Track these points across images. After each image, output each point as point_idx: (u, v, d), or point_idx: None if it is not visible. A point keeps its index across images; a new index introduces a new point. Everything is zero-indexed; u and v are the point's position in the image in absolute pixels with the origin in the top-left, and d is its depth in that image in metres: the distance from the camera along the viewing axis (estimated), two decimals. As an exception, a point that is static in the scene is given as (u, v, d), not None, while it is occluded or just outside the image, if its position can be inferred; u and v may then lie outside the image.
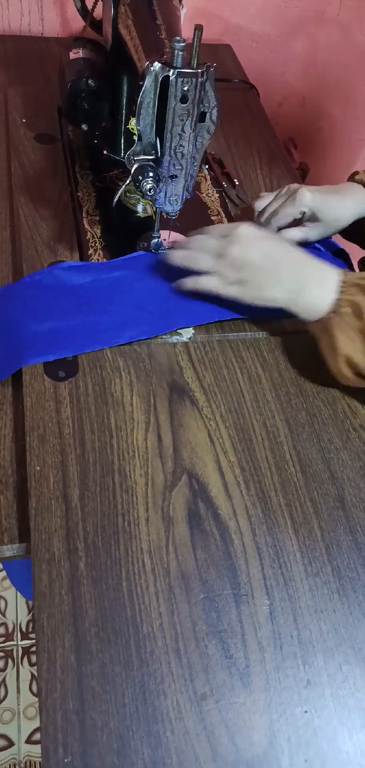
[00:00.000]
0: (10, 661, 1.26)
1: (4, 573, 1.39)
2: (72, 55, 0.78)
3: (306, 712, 0.46)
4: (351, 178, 0.81)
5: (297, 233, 0.76)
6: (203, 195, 0.89)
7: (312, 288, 0.63)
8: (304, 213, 0.75)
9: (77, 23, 1.19)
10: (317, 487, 0.58)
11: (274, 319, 0.71)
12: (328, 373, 0.64)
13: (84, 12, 0.85)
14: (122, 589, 0.49)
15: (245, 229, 0.65)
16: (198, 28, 0.55)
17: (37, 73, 1.08)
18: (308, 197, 0.74)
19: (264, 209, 0.78)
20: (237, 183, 0.92)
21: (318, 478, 0.59)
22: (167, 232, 0.77)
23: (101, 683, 0.45)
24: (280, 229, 0.77)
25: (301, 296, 0.63)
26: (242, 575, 0.52)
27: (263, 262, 0.65)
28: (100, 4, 0.80)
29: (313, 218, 0.76)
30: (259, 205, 0.79)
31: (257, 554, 0.53)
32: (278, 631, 0.49)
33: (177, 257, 0.69)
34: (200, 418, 0.62)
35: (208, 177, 0.93)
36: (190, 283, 0.68)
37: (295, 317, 0.65)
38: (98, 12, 0.81)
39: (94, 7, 0.83)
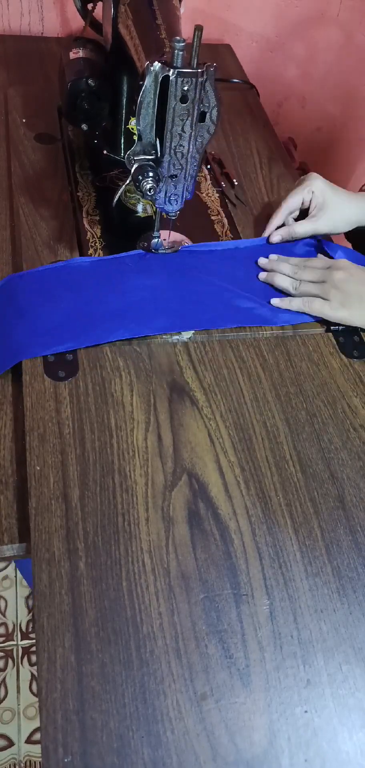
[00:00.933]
0: (10, 661, 1.26)
1: (4, 573, 1.39)
2: (72, 55, 0.78)
3: (306, 711, 0.46)
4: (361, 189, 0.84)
5: (307, 225, 0.79)
6: (203, 195, 0.89)
7: None
8: (312, 195, 0.78)
9: (77, 23, 1.19)
10: (317, 487, 0.58)
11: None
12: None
13: (84, 12, 0.85)
14: (122, 589, 0.49)
15: (345, 261, 0.74)
16: (198, 29, 0.55)
17: (37, 73, 1.08)
18: (317, 178, 0.79)
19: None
20: (236, 183, 0.92)
21: (318, 478, 0.59)
22: (167, 232, 0.77)
23: (101, 683, 0.45)
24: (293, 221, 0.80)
25: None
26: (242, 575, 0.52)
27: None
28: (100, 4, 0.80)
29: (320, 208, 0.79)
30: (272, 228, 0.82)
31: (257, 554, 0.53)
32: (278, 631, 0.49)
33: (282, 283, 0.74)
34: (200, 418, 0.62)
35: (208, 177, 0.93)
36: (297, 303, 0.72)
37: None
38: (97, 12, 0.81)
39: (94, 7, 0.83)
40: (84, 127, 0.79)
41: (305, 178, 0.80)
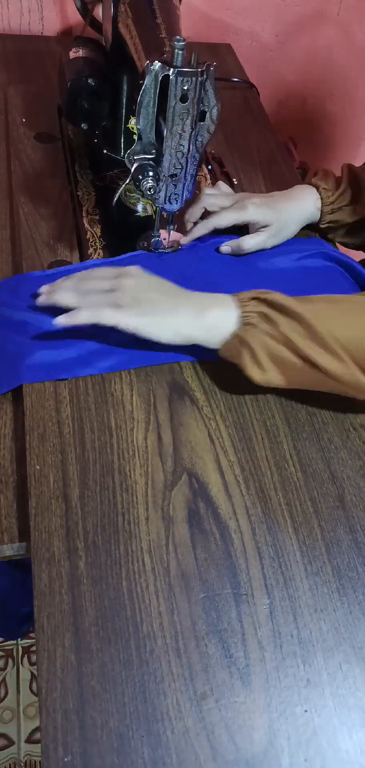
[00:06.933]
0: (10, 660, 1.26)
1: (3, 573, 1.39)
2: (72, 54, 0.78)
3: (305, 711, 0.46)
4: (309, 180, 0.82)
5: (254, 240, 0.77)
6: (203, 194, 0.89)
7: (212, 309, 0.61)
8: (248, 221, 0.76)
9: (77, 22, 1.19)
10: (317, 487, 0.58)
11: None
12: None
13: (84, 11, 0.85)
14: (121, 589, 0.49)
15: (137, 268, 0.65)
16: (194, 52, 0.56)
17: (37, 72, 1.08)
18: (250, 210, 0.75)
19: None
20: (236, 182, 0.92)
21: (318, 477, 0.59)
22: (167, 231, 0.77)
23: (101, 682, 0.45)
24: (220, 231, 0.77)
25: (204, 319, 0.61)
26: (242, 574, 0.52)
27: (159, 293, 0.63)
28: (100, 3, 0.80)
29: (262, 227, 0.77)
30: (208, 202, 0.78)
31: (257, 553, 0.53)
32: (278, 631, 0.49)
33: (65, 298, 0.62)
34: (200, 417, 0.62)
35: (208, 177, 0.93)
36: (85, 315, 0.60)
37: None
38: (97, 11, 0.81)
39: (94, 6, 0.83)
40: (84, 126, 0.79)
41: (241, 204, 0.76)
